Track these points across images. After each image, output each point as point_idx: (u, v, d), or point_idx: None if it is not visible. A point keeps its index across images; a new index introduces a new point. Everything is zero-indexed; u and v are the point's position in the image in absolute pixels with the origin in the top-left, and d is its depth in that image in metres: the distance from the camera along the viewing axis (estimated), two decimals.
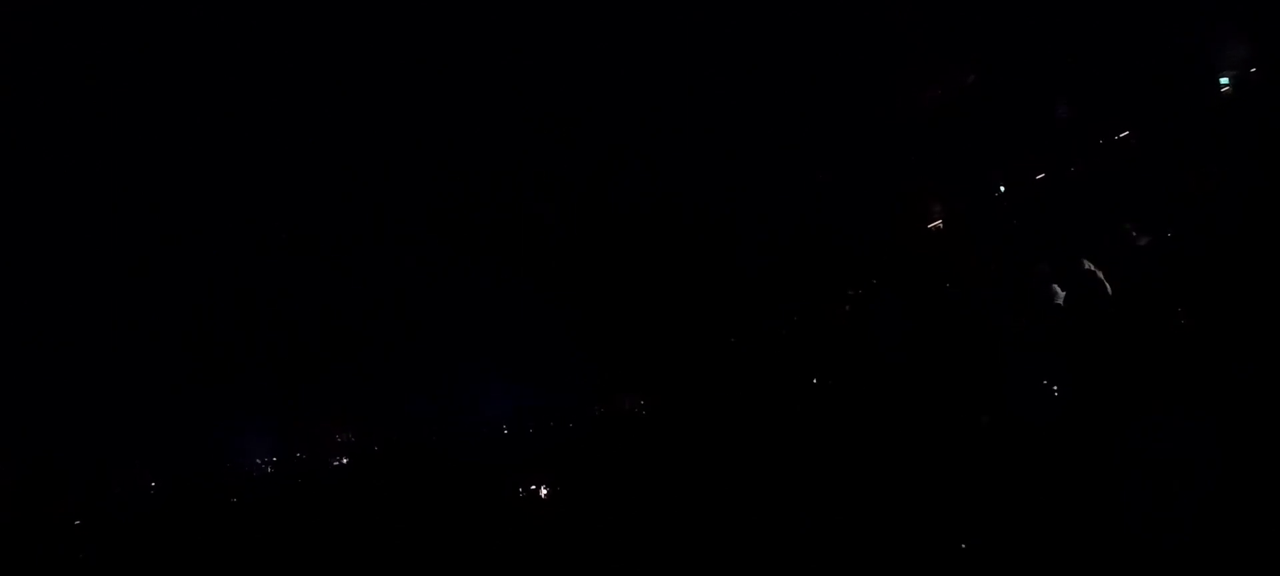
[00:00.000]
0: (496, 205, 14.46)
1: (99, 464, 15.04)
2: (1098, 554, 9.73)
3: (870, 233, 13.11)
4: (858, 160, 13.58)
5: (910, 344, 12.08)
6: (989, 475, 10.86)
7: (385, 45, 14.18)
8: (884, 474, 11.32)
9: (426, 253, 14.75)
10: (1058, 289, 11.95)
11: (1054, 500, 10.33)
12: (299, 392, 15.09)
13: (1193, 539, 9.39)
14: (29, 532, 14.05)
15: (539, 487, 13.87)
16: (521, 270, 14.30)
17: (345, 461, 15.55)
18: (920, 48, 13.30)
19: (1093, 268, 12.00)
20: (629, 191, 14.04)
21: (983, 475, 10.89)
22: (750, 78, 13.61)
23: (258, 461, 15.79)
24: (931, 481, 10.98)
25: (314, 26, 14.05)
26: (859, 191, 13.48)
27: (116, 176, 14.63)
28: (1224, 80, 13.03)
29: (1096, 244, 12.25)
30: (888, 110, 13.54)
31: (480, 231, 14.55)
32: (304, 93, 14.43)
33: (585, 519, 12.73)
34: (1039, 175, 13.44)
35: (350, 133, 14.48)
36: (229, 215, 14.76)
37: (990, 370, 11.67)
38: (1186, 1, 12.75)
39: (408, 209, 14.76)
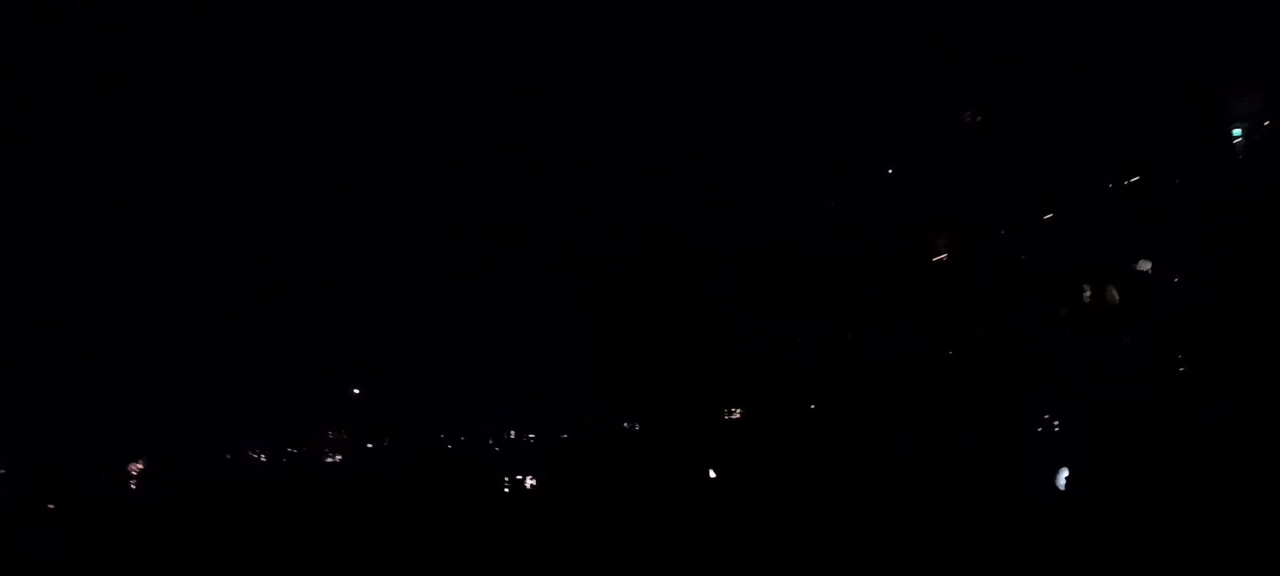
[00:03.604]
0: (498, 211, 14.43)
1: (94, 458, 14.96)
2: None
3: (875, 257, 13.14)
4: (866, 185, 13.61)
5: (913, 370, 12.15)
6: (993, 500, 10.98)
7: (386, 45, 14.18)
8: (882, 494, 11.41)
9: (424, 255, 14.72)
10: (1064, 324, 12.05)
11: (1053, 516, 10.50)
12: (296, 392, 15.02)
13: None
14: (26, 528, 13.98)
15: (537, 492, 13.92)
16: (523, 276, 14.27)
17: (342, 461, 15.50)
18: (931, 83, 13.36)
19: (1098, 304, 12.11)
20: (635, 204, 14.05)
21: (986, 500, 11.00)
22: (759, 95, 13.65)
23: (254, 458, 15.71)
24: (931, 505, 11.08)
25: (313, 26, 14.05)
26: (867, 215, 13.51)
27: (111, 172, 14.58)
28: (1237, 132, 13.08)
29: (1102, 282, 12.36)
30: (894, 141, 13.59)
31: (481, 236, 14.53)
32: (304, 91, 14.41)
33: (583, 525, 12.74)
34: (1047, 215, 13.48)
35: (350, 132, 14.47)
36: (227, 212, 14.71)
37: (995, 399, 11.76)
38: (1200, 50, 12.80)
39: (407, 210, 14.73)
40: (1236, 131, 13.11)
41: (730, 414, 13.57)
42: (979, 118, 13.65)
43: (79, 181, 14.62)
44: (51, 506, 14.42)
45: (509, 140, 14.28)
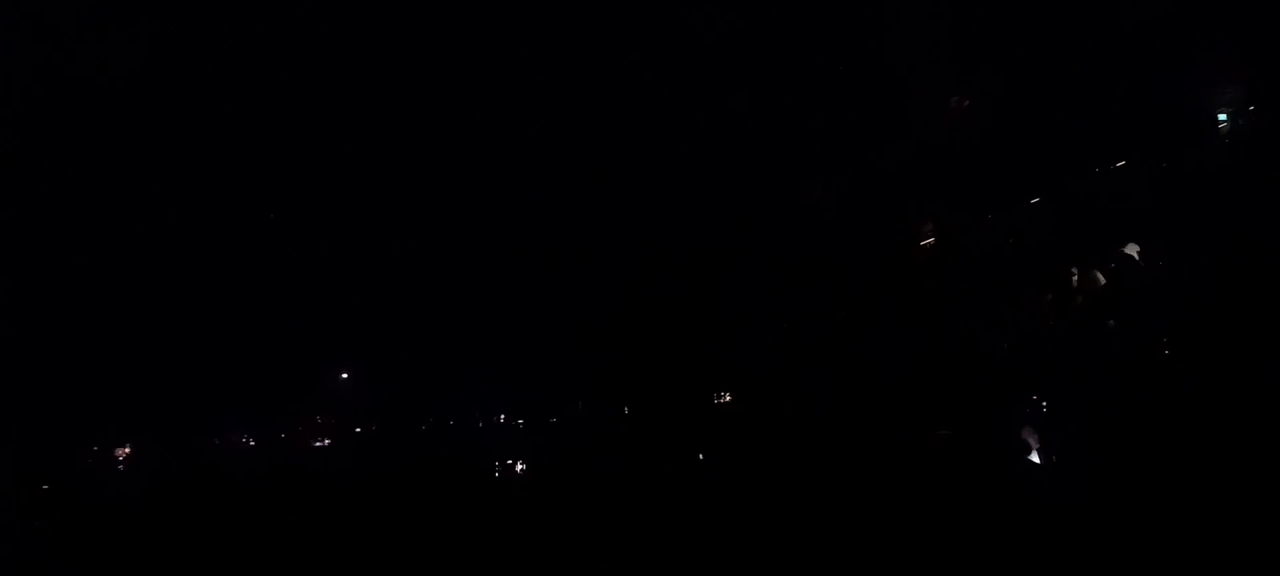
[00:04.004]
0: (490, 204, 14.42)
1: (82, 443, 14.97)
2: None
3: (866, 248, 13.14)
4: (857, 176, 13.60)
5: (905, 363, 12.16)
6: (980, 497, 11.02)
7: (380, 42, 14.14)
8: (873, 490, 11.44)
9: (413, 240, 14.71)
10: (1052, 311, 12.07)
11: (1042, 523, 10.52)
12: (283, 377, 15.02)
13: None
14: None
15: (528, 485, 13.96)
16: (516, 269, 14.28)
17: (330, 446, 15.52)
18: (917, 71, 13.34)
19: (1086, 288, 12.14)
20: (627, 197, 14.05)
21: (974, 497, 11.04)
22: (752, 88, 13.63)
23: (242, 443, 15.72)
24: (921, 500, 11.11)
25: (311, 26, 14.02)
26: (858, 207, 13.51)
27: (104, 171, 14.55)
28: (1222, 116, 13.05)
29: (1089, 269, 12.38)
30: (884, 130, 13.57)
31: (471, 222, 14.52)
32: (291, 86, 14.37)
33: (573, 521, 12.77)
34: (1033, 199, 13.46)
35: (340, 127, 14.43)
36: (215, 199, 14.68)
37: (984, 393, 11.78)
38: (1187, 36, 12.77)
39: (395, 195, 14.71)
40: (1222, 116, 13.07)
41: (720, 397, 13.60)
42: (963, 104, 13.64)
43: (71, 175, 14.62)
44: (45, 487, 14.46)
45: (496, 131, 14.27)
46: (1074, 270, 12.30)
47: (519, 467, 14.21)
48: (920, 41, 13.10)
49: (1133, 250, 12.22)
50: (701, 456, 12.96)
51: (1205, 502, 9.87)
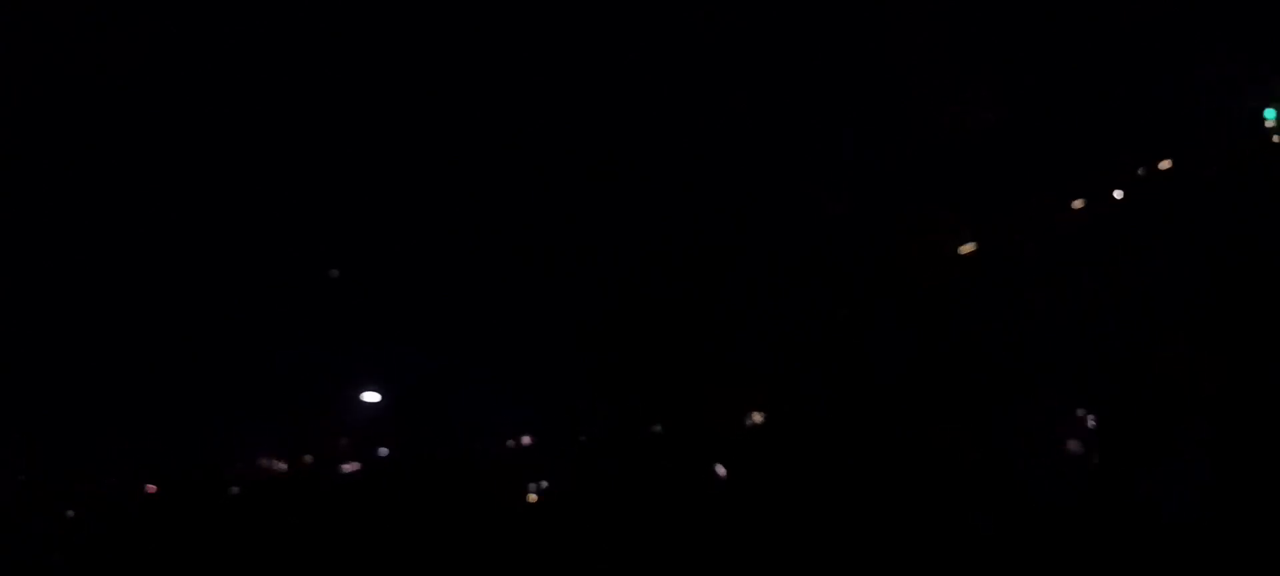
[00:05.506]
0: (488, 204, 14.44)
1: (97, 461, 15.10)
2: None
3: (866, 248, 12.98)
4: (859, 176, 13.46)
5: (905, 363, 12.00)
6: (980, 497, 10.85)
7: (390, 45, 14.26)
8: (877, 494, 11.32)
9: (433, 254, 14.75)
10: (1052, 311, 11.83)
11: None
12: (302, 394, 15.06)
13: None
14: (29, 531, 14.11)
15: (542, 496, 13.89)
16: (525, 275, 14.27)
17: (348, 466, 15.52)
18: (919, 70, 13.20)
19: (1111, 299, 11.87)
20: (636, 203, 14.01)
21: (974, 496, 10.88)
22: (752, 88, 13.58)
23: (266, 466, 15.76)
24: (921, 500, 10.98)
25: (314, 27, 14.17)
26: (859, 207, 13.35)
27: (116, 174, 14.76)
28: (1270, 113, 12.69)
29: (1113, 277, 12.10)
30: (886, 129, 13.43)
31: (488, 234, 14.54)
32: (309, 91, 14.49)
33: (586, 529, 12.73)
34: (1066, 204, 13.22)
35: (354, 131, 14.52)
36: (231, 212, 14.82)
37: (990, 401, 11.57)
38: (1187, 38, 12.53)
39: (415, 208, 14.77)
40: (1269, 112, 12.71)
41: (721, 398, 13.46)
42: (965, 105, 13.43)
43: (93, 186, 14.85)
44: (71, 514, 14.60)
45: (497, 131, 14.30)
46: (1075, 271, 12.06)
47: (520, 467, 14.14)
48: (923, 40, 12.99)
49: (1134, 251, 11.93)
50: (701, 456, 12.83)
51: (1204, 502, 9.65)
